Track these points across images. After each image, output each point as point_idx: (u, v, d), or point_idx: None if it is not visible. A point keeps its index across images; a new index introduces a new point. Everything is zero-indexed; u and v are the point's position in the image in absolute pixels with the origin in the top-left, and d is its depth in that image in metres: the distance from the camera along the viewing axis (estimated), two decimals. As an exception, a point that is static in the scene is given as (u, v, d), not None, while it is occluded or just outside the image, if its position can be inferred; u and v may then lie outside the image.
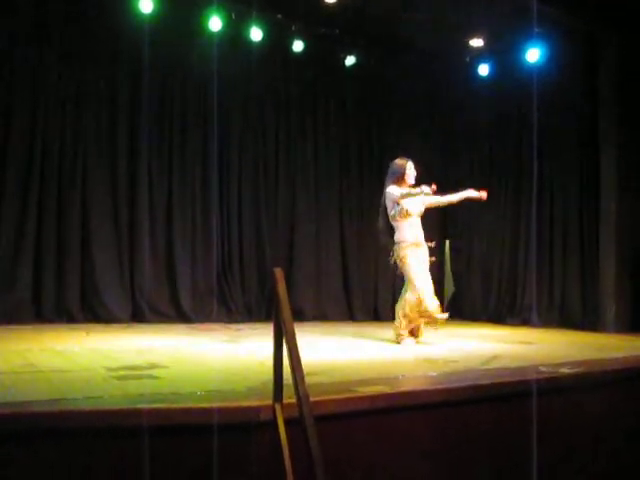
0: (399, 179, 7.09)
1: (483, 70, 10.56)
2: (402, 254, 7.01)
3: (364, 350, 6.54)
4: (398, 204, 6.96)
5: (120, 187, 8.84)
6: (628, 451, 5.13)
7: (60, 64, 8.46)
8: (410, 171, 7.10)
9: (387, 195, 7.08)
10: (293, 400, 3.13)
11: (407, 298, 6.98)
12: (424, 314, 6.96)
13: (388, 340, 7.18)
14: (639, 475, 5.17)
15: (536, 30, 9.04)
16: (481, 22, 9.28)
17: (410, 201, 6.98)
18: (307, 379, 3.60)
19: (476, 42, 9.91)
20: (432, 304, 6.95)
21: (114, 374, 4.46)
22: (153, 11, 8.60)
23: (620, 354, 6.38)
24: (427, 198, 7.05)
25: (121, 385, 4.07)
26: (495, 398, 4.38)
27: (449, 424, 4.15)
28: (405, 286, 7.11)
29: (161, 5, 8.70)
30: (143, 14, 8.57)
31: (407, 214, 6.98)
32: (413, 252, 6.99)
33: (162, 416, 3.30)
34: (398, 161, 7.20)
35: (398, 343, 6.96)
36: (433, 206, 7.42)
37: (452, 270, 11.62)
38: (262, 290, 9.60)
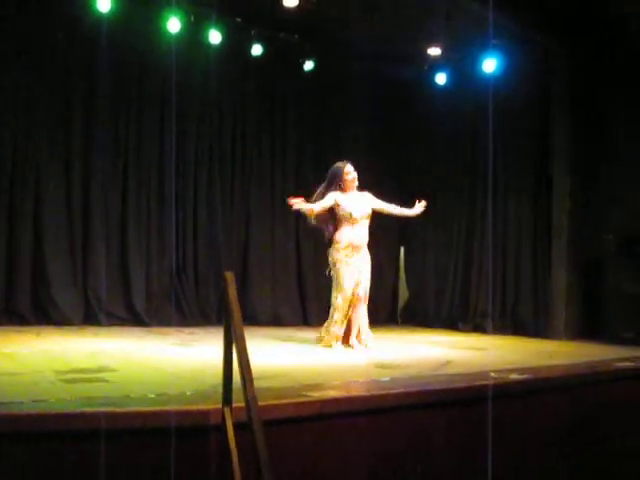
0: (338, 183, 7.11)
1: (440, 79, 10.66)
2: (335, 257, 7.07)
3: (316, 355, 6.54)
4: (339, 206, 7.03)
5: (73, 188, 8.71)
6: (576, 453, 5.22)
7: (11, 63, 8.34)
8: (348, 176, 7.10)
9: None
10: (243, 404, 3.12)
11: (333, 302, 7.04)
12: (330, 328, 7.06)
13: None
14: (587, 476, 5.28)
15: (492, 41, 9.18)
16: (439, 31, 9.37)
17: (353, 204, 7.04)
18: (259, 383, 3.61)
19: (434, 51, 10.01)
20: (339, 327, 6.99)
21: (63, 377, 4.42)
22: (110, 10, 8.47)
23: (568, 361, 6.50)
24: (377, 204, 7.17)
25: (69, 388, 4.03)
26: (446, 403, 4.42)
27: (400, 429, 4.18)
28: (333, 290, 7.13)
29: (119, 4, 8.59)
30: (100, 13, 8.45)
31: (349, 217, 7.02)
32: (346, 257, 7.01)
33: (110, 420, 3.27)
34: (337, 164, 7.23)
35: (329, 347, 6.99)
36: (385, 213, 7.41)
37: (406, 276, 11.70)
38: (217, 294, 9.55)
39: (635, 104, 8.84)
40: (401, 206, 7.45)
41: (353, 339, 7.06)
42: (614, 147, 9.09)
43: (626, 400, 5.82)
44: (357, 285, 7.02)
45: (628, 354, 7.02)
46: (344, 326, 7.02)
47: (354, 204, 7.06)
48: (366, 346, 7.02)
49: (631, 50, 8.63)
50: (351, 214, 7.00)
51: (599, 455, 5.39)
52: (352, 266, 7.00)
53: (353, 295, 6.99)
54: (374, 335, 7.27)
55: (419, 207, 7.34)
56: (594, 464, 5.33)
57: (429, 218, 11.01)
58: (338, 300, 6.98)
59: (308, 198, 7.06)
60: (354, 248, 7.03)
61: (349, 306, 6.98)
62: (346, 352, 6.76)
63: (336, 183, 7.11)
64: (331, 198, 7.03)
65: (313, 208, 6.93)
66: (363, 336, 7.08)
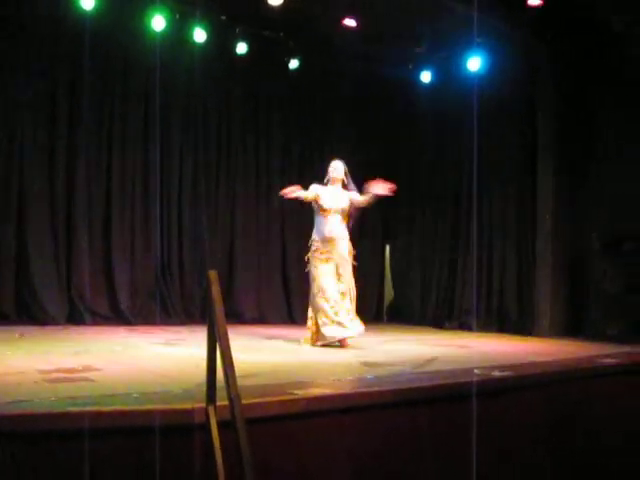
0: (327, 178, 7.25)
1: (426, 77, 10.69)
2: (310, 254, 7.13)
3: (301, 353, 6.55)
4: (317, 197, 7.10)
5: (57, 186, 8.69)
6: (559, 450, 5.26)
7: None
8: (330, 169, 7.22)
9: None
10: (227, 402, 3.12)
11: (311, 301, 7.06)
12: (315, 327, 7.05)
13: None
14: (571, 472, 5.32)
15: (477, 40, 9.21)
16: (424, 30, 9.40)
17: (327, 196, 7.08)
18: (243, 381, 3.60)
19: (419, 49, 10.02)
20: (330, 328, 6.93)
21: (47, 377, 4.39)
22: (94, 8, 8.47)
23: (552, 358, 6.54)
24: (354, 198, 7.15)
25: (54, 388, 4.01)
26: (429, 400, 4.44)
27: (384, 427, 4.19)
28: (312, 290, 7.14)
29: (103, 2, 8.58)
30: (84, 11, 8.43)
31: (321, 208, 7.07)
32: (322, 253, 7.02)
33: (94, 419, 3.26)
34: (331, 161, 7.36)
35: (312, 345, 7.02)
36: (361, 206, 7.34)
37: (391, 275, 11.73)
38: (201, 292, 9.53)
39: (620, 104, 8.89)
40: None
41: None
42: (599, 146, 9.14)
43: (610, 396, 5.86)
44: (338, 281, 7.01)
45: (612, 351, 7.08)
46: (336, 325, 6.96)
47: (330, 197, 7.12)
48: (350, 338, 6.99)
49: (617, 50, 8.66)
50: (322, 205, 7.07)
51: (582, 451, 5.43)
52: (330, 263, 7.01)
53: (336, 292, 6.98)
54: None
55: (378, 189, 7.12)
56: (577, 460, 5.36)
57: (415, 217, 11.14)
58: (321, 303, 6.95)
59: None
60: (329, 241, 7.03)
61: (333, 305, 6.95)
62: (331, 351, 6.75)
63: (325, 178, 7.26)
64: (312, 190, 7.15)
65: (298, 196, 7.08)
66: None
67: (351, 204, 7.20)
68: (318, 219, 7.16)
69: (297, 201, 7.38)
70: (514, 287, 9.72)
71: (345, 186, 7.25)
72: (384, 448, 4.16)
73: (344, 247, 7.11)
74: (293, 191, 7.04)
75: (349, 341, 6.99)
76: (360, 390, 4.27)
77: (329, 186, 7.21)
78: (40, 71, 8.55)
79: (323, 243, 7.05)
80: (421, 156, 11.23)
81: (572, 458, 5.32)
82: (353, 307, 7.13)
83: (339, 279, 7.03)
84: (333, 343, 6.93)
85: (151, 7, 8.90)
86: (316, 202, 7.13)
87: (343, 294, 7.02)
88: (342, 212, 7.15)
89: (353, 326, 6.98)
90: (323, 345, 6.94)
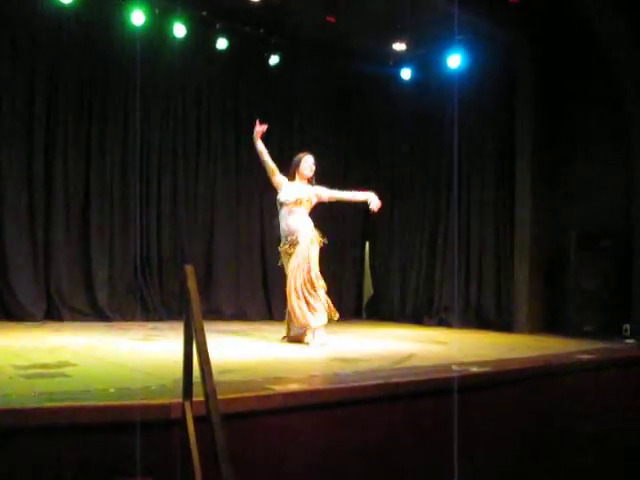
0: (294, 172, 7.10)
1: (406, 74, 10.71)
2: (280, 252, 7.10)
3: (279, 349, 6.53)
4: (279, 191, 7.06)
5: (35, 180, 8.60)
6: (535, 444, 5.30)
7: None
8: (305, 164, 7.07)
9: None
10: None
11: (289, 299, 6.92)
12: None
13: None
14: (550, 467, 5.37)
15: (457, 37, 9.25)
16: (404, 26, 9.42)
17: (285, 190, 7.00)
18: (221, 377, 3.61)
19: (399, 46, 10.03)
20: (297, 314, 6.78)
21: (23, 372, 4.36)
22: (73, 2, 8.41)
23: (530, 353, 6.60)
24: (321, 192, 7.06)
25: (29, 383, 3.99)
26: (407, 396, 4.46)
27: (361, 422, 4.20)
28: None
29: (82, -4, 8.54)
30: (63, 4, 8.39)
31: (280, 204, 7.01)
32: (287, 250, 6.94)
33: (70, 414, 3.24)
34: (299, 154, 7.22)
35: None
36: (333, 200, 7.28)
37: (371, 272, 11.76)
38: (180, 288, 9.50)
39: (600, 102, 8.97)
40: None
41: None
42: (578, 144, 9.23)
43: (586, 391, 5.93)
44: (301, 272, 6.83)
45: (588, 347, 7.15)
46: (319, 312, 6.82)
47: (291, 191, 6.98)
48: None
49: (597, 49, 8.72)
50: (279, 199, 7.00)
51: (560, 446, 5.48)
52: (294, 257, 6.87)
53: (304, 283, 6.82)
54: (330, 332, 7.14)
55: (372, 197, 7.09)
56: (555, 455, 5.41)
57: (394, 214, 11.17)
58: (293, 300, 6.80)
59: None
60: (291, 234, 6.92)
61: (305, 296, 6.81)
62: (308, 347, 6.72)
63: (293, 171, 7.11)
64: (279, 178, 7.05)
65: (262, 151, 7.05)
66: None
67: (318, 198, 7.07)
68: (279, 214, 7.06)
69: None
70: (493, 284, 9.78)
71: (310, 183, 7.12)
72: (362, 444, 4.18)
73: (305, 240, 6.85)
74: (262, 131, 6.96)
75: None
76: (337, 386, 4.27)
77: (296, 181, 7.06)
78: (17, 66, 8.47)
79: (286, 237, 6.96)
80: (401, 152, 11.25)
81: (550, 452, 5.37)
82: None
83: (303, 270, 6.83)
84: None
85: (131, 2, 8.85)
86: (277, 194, 7.04)
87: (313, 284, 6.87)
88: (300, 205, 6.95)
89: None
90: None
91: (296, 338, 6.96)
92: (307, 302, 6.77)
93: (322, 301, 6.82)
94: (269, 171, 7.09)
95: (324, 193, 7.12)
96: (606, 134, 8.96)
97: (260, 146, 7.06)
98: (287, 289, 6.86)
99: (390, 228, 11.38)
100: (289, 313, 6.96)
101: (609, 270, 8.64)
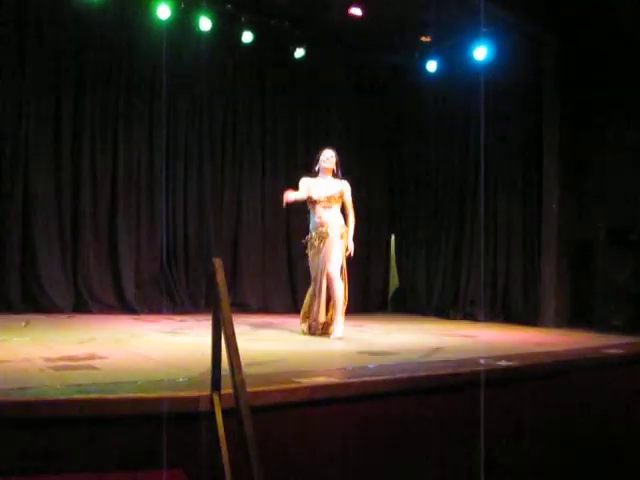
0: (317, 168, 7.17)
1: (431, 66, 10.64)
2: (307, 246, 7.17)
3: (306, 342, 6.55)
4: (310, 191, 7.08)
5: (63, 175, 8.69)
6: (564, 440, 5.26)
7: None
8: (322, 159, 7.13)
9: None
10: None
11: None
12: (309, 316, 7.09)
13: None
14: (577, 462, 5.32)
15: (483, 29, 9.17)
16: (430, 18, 9.35)
17: (320, 188, 7.05)
18: (248, 370, 3.60)
19: (425, 38, 9.96)
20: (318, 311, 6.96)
21: (52, 365, 4.39)
22: (100, -3, 8.48)
23: (557, 348, 6.53)
24: (346, 197, 7.11)
25: (59, 375, 4.02)
26: (434, 390, 4.44)
27: (388, 416, 4.19)
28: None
29: (108, -8, 8.58)
30: (90, 0, 8.44)
31: (311, 200, 7.06)
32: (314, 243, 7.02)
33: (99, 406, 3.27)
34: (321, 150, 7.29)
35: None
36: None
37: (397, 265, 11.72)
38: (207, 281, 9.54)
39: (626, 96, 8.83)
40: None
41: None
42: (606, 136, 9.08)
43: (615, 386, 5.86)
44: (325, 266, 6.94)
45: (617, 341, 7.07)
46: (323, 310, 6.98)
47: (322, 188, 7.06)
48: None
49: (625, 43, 8.59)
50: (312, 197, 7.03)
51: (588, 440, 5.43)
52: (320, 253, 6.98)
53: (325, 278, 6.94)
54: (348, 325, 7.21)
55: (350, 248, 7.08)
56: (583, 449, 5.36)
57: (420, 206, 11.13)
58: (309, 291, 7.09)
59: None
60: (322, 231, 6.99)
61: (320, 293, 6.96)
62: (335, 340, 6.73)
63: (316, 168, 7.17)
64: (303, 187, 7.09)
65: (297, 198, 7.02)
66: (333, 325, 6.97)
67: (342, 194, 7.12)
68: (312, 210, 7.14)
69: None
70: (519, 277, 9.69)
71: (335, 176, 7.19)
72: (389, 436, 4.17)
73: (336, 237, 6.97)
74: (289, 197, 6.96)
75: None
76: (364, 379, 4.26)
77: (319, 177, 7.13)
78: (45, 61, 8.54)
79: (318, 232, 7.02)
80: (426, 145, 11.19)
81: (578, 447, 5.32)
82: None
83: (327, 262, 6.93)
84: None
85: (156, -5, 8.89)
86: (310, 197, 7.08)
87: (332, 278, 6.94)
88: (333, 202, 7.06)
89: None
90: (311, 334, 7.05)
91: (321, 331, 7.00)
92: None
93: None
94: (309, 195, 7.08)
95: (345, 197, 7.13)
96: (636, 128, 8.82)
97: (295, 198, 7.02)
98: (327, 281, 6.92)
99: (416, 221, 11.33)
100: (310, 306, 7.08)
101: (638, 264, 8.52)
